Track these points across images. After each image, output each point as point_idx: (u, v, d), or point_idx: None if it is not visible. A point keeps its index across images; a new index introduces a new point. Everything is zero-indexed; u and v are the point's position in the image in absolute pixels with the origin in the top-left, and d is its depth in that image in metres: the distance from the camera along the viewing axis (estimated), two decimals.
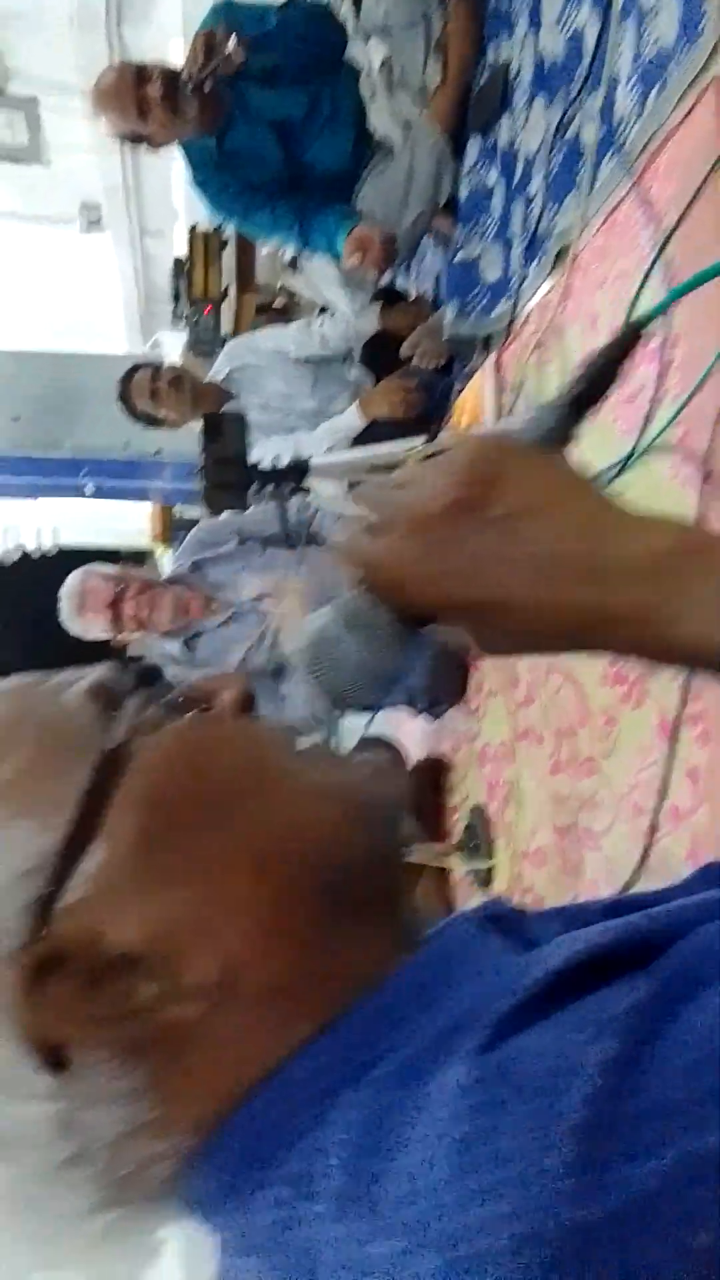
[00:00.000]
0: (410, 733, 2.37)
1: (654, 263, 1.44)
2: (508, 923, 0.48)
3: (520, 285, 2.03)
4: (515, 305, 2.06)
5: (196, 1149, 0.41)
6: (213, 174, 2.68)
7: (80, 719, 0.45)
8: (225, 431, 1.92)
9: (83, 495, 5.38)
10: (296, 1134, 0.38)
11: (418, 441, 1.89)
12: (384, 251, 2.30)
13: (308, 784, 0.46)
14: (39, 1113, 0.40)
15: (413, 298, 2.79)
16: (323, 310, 3.05)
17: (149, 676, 0.47)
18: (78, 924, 0.40)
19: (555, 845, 1.71)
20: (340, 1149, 0.36)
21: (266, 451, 2.24)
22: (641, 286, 1.46)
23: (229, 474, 1.95)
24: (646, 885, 1.45)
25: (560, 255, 1.86)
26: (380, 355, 2.78)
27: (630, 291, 1.55)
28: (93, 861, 0.41)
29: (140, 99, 2.42)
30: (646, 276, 1.43)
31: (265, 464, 1.94)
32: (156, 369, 2.93)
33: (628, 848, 1.48)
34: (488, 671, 2.05)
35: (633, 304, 1.50)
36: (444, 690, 2.09)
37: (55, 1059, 0.40)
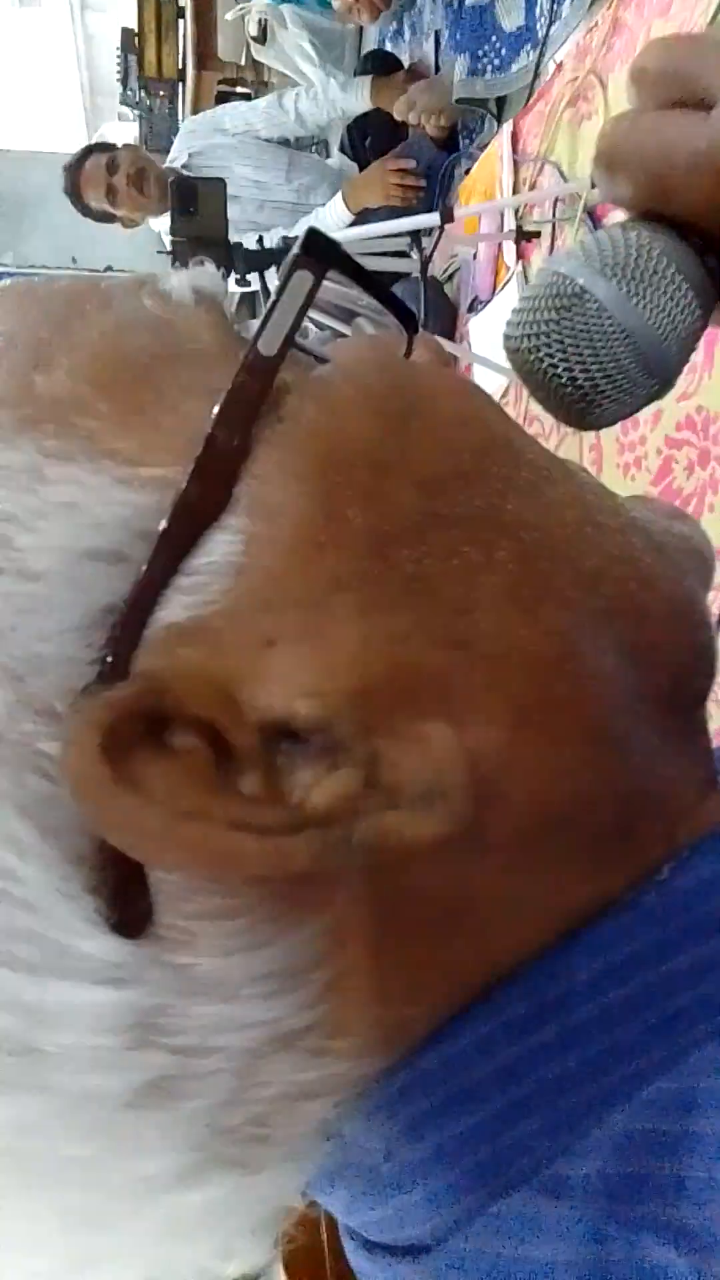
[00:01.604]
0: None
1: None
2: None
3: (549, 29, 1.71)
4: (541, 55, 1.75)
5: (371, 1087, 0.24)
6: None
7: (187, 318, 0.26)
8: (202, 203, 1.62)
9: None
10: (587, 1103, 0.22)
11: (430, 219, 1.61)
12: None
13: (583, 491, 0.27)
14: (96, 1005, 0.22)
15: (409, 64, 2.42)
16: (298, 88, 2.65)
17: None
18: (195, 657, 0.22)
19: None
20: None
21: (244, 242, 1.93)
22: None
23: (208, 256, 1.65)
24: None
25: None
26: (373, 135, 2.42)
27: (705, 14, 1.27)
28: (221, 552, 0.23)
29: None
30: None
31: (249, 244, 1.65)
32: (113, 154, 2.52)
33: None
34: None
35: (713, 18, 1.23)
36: None
37: (133, 908, 0.22)
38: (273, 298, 0.24)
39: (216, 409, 0.23)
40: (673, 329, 0.29)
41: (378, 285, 0.28)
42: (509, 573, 0.24)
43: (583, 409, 0.29)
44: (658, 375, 0.29)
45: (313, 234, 0.25)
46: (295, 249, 0.25)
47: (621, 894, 0.24)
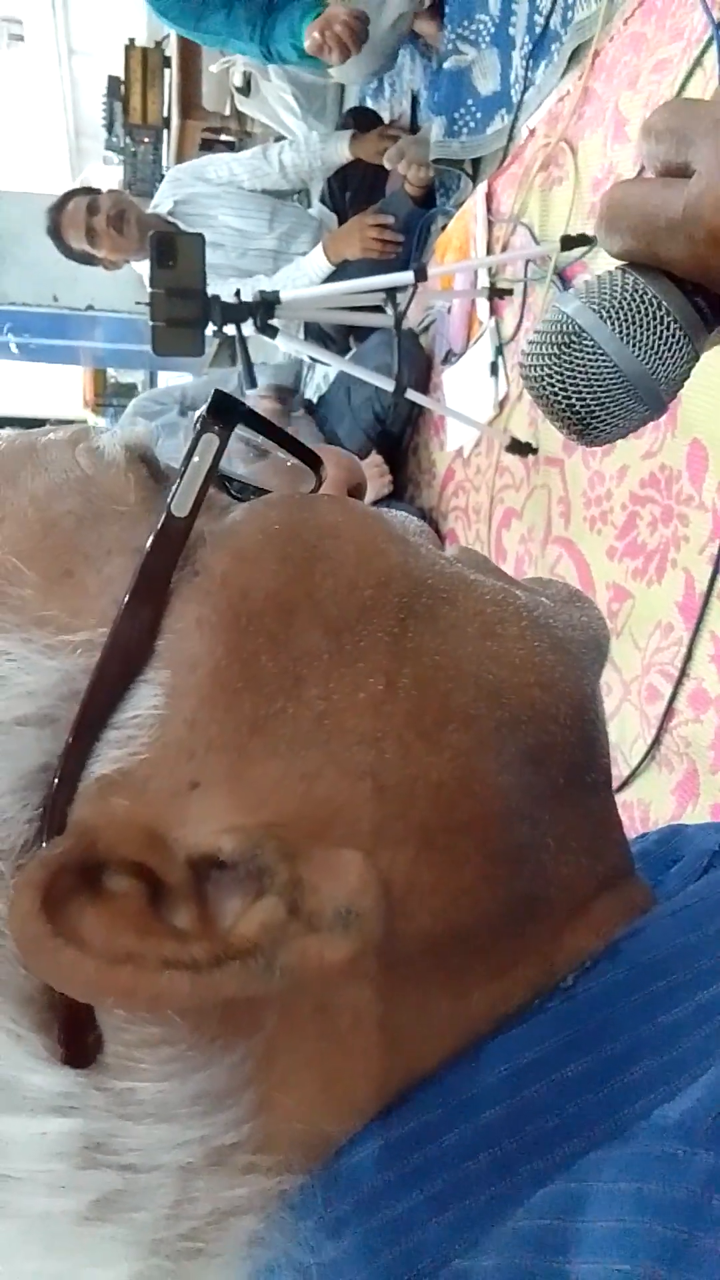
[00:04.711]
0: None
1: (707, 46, 1.20)
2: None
3: (523, 95, 1.76)
4: (515, 119, 1.80)
5: (299, 1193, 0.25)
6: None
7: (114, 479, 0.28)
8: (180, 255, 1.65)
9: (8, 355, 4.93)
10: (490, 1200, 0.23)
11: (404, 277, 1.64)
12: (351, 29, 1.98)
13: (481, 604, 0.29)
14: (48, 1132, 0.24)
15: (389, 121, 2.47)
16: (280, 139, 2.71)
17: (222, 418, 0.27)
18: (124, 806, 0.24)
19: None
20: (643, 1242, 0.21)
21: (222, 292, 1.97)
22: (689, 75, 1.22)
23: (184, 308, 1.68)
24: (659, 774, 1.32)
25: (576, 55, 1.60)
26: (352, 188, 2.47)
27: (672, 87, 1.32)
28: (145, 706, 0.24)
29: None
30: (697, 63, 1.20)
31: (227, 297, 1.68)
32: (95, 197, 2.57)
33: (636, 733, 1.35)
34: (465, 544, 1.88)
35: (679, 92, 1.27)
36: None
37: (82, 1040, 0.24)
38: (182, 460, 0.26)
39: (134, 574, 0.25)
40: (662, 365, 0.33)
41: (282, 436, 0.31)
42: (412, 700, 0.26)
43: (582, 430, 0.34)
44: (649, 405, 0.34)
45: (219, 396, 0.27)
46: (201, 411, 0.27)
47: (528, 998, 0.26)
